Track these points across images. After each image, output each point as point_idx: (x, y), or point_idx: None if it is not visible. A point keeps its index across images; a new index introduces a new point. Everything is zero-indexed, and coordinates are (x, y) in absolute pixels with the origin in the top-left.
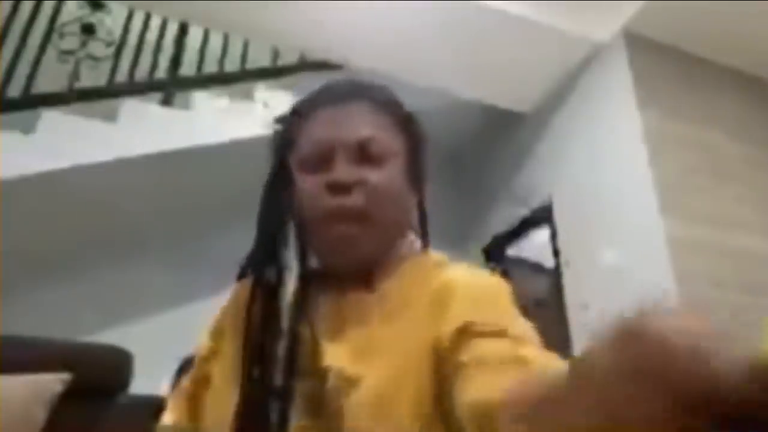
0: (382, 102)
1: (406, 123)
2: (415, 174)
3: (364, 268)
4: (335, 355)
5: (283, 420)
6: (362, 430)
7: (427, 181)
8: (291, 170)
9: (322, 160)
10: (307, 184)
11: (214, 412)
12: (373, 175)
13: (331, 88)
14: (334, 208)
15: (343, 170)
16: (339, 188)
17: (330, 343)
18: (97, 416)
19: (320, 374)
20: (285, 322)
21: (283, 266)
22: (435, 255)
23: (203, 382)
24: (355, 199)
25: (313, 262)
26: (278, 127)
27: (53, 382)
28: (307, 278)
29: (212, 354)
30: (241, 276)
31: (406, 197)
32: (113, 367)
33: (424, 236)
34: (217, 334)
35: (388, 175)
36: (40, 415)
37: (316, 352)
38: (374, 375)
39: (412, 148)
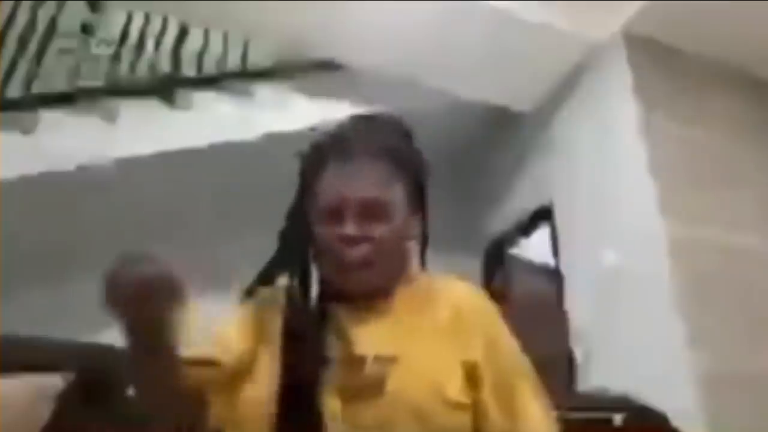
0: (384, 153)
1: (407, 164)
2: (417, 203)
3: (377, 293)
4: (367, 344)
5: (316, 404)
6: (409, 399)
7: (428, 208)
8: (311, 203)
9: (334, 213)
10: (323, 234)
11: (250, 404)
12: (378, 230)
13: (340, 139)
14: (344, 259)
15: (351, 226)
16: (348, 241)
17: (359, 336)
18: (98, 416)
19: (355, 362)
20: (312, 324)
21: (310, 280)
22: (433, 275)
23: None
24: (362, 251)
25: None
26: (304, 164)
27: (53, 382)
28: (326, 293)
29: (248, 357)
30: (258, 283)
31: (407, 232)
32: (113, 367)
33: (423, 257)
34: (250, 340)
35: (390, 227)
36: (41, 415)
37: (347, 345)
38: (409, 355)
39: (413, 183)
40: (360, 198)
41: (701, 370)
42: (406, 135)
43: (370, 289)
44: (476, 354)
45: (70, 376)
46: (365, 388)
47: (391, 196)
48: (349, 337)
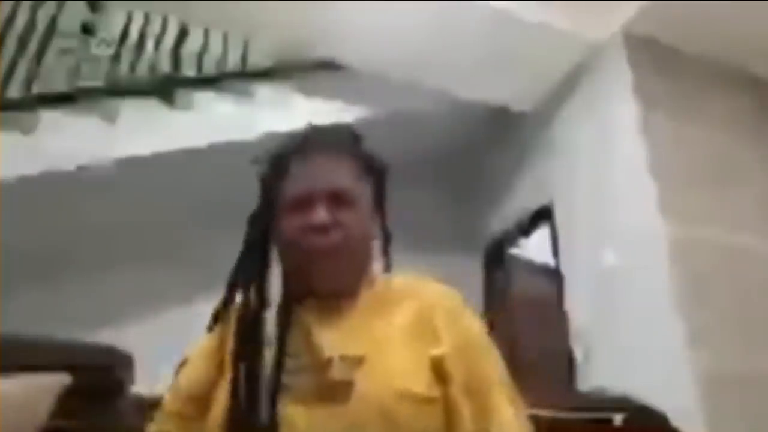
0: (345, 150)
1: (368, 162)
2: (378, 201)
3: (343, 291)
4: (332, 346)
5: (272, 409)
6: (376, 399)
7: (387, 204)
8: (275, 205)
9: (303, 204)
10: (291, 225)
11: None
12: (347, 217)
13: (300, 141)
14: (315, 247)
15: (322, 214)
16: (318, 229)
17: (323, 338)
18: (97, 417)
19: (321, 364)
20: (272, 329)
21: (268, 284)
22: (400, 276)
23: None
24: (333, 238)
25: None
26: (265, 169)
27: (53, 382)
28: (289, 295)
29: (206, 386)
30: (229, 289)
31: (371, 228)
32: (113, 367)
33: (387, 256)
34: (210, 365)
35: (358, 216)
36: (41, 415)
37: (310, 348)
38: (375, 355)
39: (375, 181)
40: (329, 187)
41: (701, 370)
42: (359, 139)
43: (335, 283)
44: (443, 349)
45: (70, 376)
46: (332, 390)
47: (357, 186)
48: (314, 340)
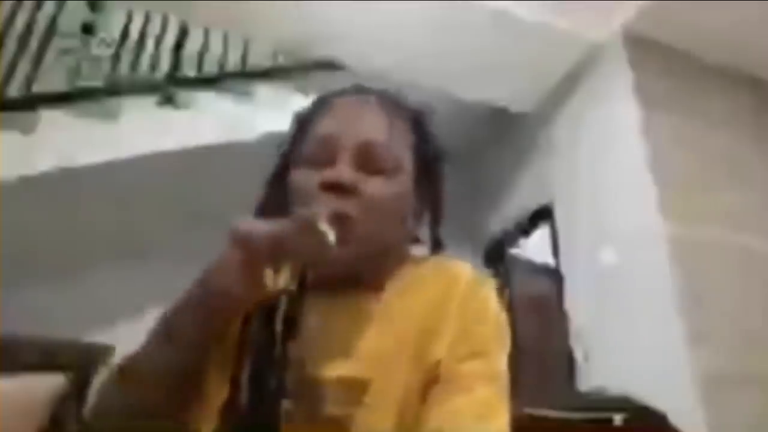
0: (396, 103)
1: (418, 125)
2: (427, 181)
3: (347, 271)
4: (337, 365)
5: (276, 424)
6: (378, 428)
7: (443, 185)
8: (297, 154)
9: (326, 156)
10: (304, 179)
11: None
12: (374, 186)
13: (346, 88)
14: (323, 209)
15: (345, 171)
16: (336, 189)
17: (328, 352)
18: None
19: (322, 384)
20: (278, 334)
21: None
22: (439, 259)
23: None
24: (346, 207)
25: None
26: (294, 122)
27: (53, 382)
28: (302, 282)
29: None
30: None
31: (407, 207)
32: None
33: (435, 236)
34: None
35: (390, 190)
36: (41, 415)
37: (314, 364)
38: (382, 376)
39: (424, 155)
40: (357, 139)
41: (701, 370)
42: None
43: (341, 261)
44: (443, 347)
45: (70, 376)
46: (329, 416)
47: (398, 149)
48: (305, 357)
